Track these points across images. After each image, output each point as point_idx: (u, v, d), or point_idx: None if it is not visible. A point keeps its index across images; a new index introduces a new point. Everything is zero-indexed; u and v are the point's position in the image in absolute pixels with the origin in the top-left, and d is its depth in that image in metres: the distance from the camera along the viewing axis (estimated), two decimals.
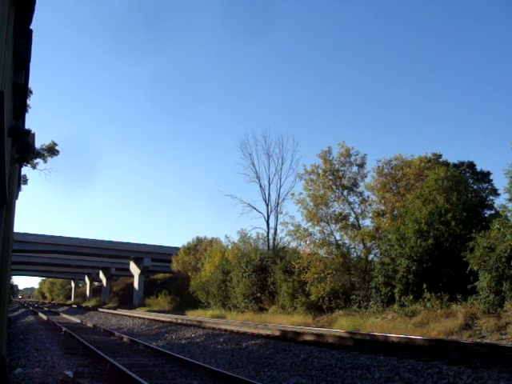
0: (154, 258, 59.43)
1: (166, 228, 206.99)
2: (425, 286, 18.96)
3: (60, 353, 13.61)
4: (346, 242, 26.24)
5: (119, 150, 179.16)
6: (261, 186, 38.45)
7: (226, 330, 19.87)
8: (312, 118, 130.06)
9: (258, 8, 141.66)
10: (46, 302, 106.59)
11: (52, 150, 25.13)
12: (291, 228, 27.39)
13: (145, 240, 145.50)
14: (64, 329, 22.15)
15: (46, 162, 25.10)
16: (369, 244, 25.13)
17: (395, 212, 24.54)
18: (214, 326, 22.25)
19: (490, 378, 8.15)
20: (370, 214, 26.45)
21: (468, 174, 29.83)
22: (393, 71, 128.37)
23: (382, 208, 26.10)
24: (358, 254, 26.14)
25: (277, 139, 54.72)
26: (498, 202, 26.02)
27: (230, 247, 39.09)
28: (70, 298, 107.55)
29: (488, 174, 31.69)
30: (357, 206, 26.72)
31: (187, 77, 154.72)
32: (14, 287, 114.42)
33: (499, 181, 47.16)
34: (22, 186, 19.46)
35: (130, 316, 35.60)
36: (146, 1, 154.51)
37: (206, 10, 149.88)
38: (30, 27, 6.72)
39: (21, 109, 8.92)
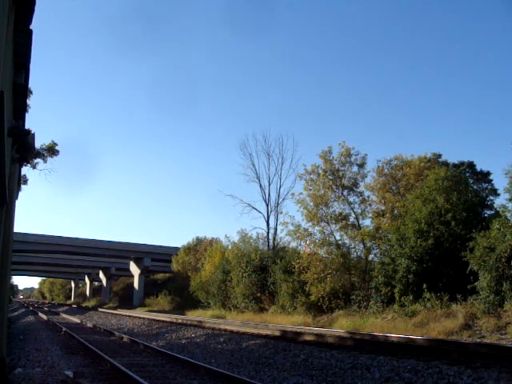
0: (154, 258, 59.38)
1: (166, 228, 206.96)
2: (425, 286, 18.95)
3: (60, 353, 13.62)
4: (346, 242, 26.28)
5: (119, 150, 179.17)
6: (261, 186, 38.50)
7: (225, 330, 19.86)
8: (312, 118, 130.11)
9: (257, 8, 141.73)
10: (46, 302, 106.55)
11: (52, 150, 25.03)
12: (291, 228, 27.42)
13: (145, 240, 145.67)
14: (64, 329, 22.15)
15: (45, 162, 25.01)
16: (369, 244, 25.14)
17: (395, 212, 24.53)
18: (214, 326, 22.24)
19: (490, 378, 8.15)
20: (370, 214, 26.46)
21: (468, 174, 29.76)
22: (393, 71, 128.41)
23: (382, 208, 26.10)
24: (358, 254, 26.18)
25: (277, 139, 54.53)
26: (498, 202, 26.02)
27: (230, 247, 39.07)
28: (69, 298, 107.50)
29: (488, 173, 31.61)
30: (357, 206, 26.76)
31: (187, 77, 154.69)
32: (14, 287, 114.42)
33: (499, 181, 47.11)
34: (22, 186, 19.43)
35: (129, 316, 35.60)
36: (146, 1, 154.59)
37: (205, 10, 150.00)
38: (30, 27, 6.73)
39: (21, 109, 8.92)
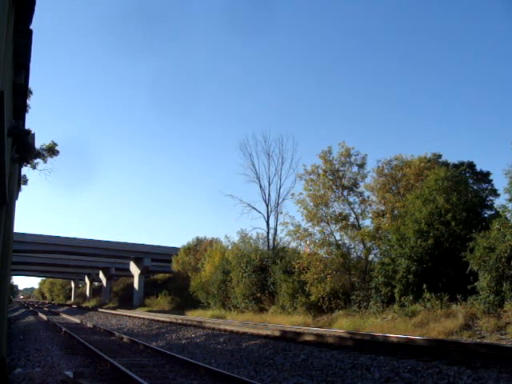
0: (154, 258, 59.35)
1: (165, 228, 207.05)
2: (425, 286, 18.95)
3: (60, 353, 13.61)
4: (346, 242, 26.30)
5: (119, 150, 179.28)
6: (261, 186, 38.46)
7: (225, 330, 19.86)
8: (312, 118, 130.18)
9: (258, 8, 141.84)
10: (46, 302, 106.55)
11: (52, 150, 25.00)
12: (291, 228, 27.44)
13: (145, 240, 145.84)
14: (64, 329, 22.14)
15: (45, 162, 24.96)
16: (369, 244, 25.14)
17: (395, 212, 24.54)
18: (214, 326, 22.24)
19: (490, 378, 8.14)
20: (370, 214, 26.47)
21: (468, 174, 29.78)
22: (393, 71, 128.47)
23: (382, 208, 26.11)
24: (358, 254, 26.19)
25: (277, 139, 54.54)
26: (498, 202, 26.07)
27: (230, 247, 39.07)
28: (69, 298, 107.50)
29: (488, 174, 31.64)
30: (357, 206, 26.77)
31: (187, 77, 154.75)
32: (14, 287, 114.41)
33: (499, 181, 47.18)
34: (22, 186, 19.42)
35: (129, 316, 35.59)
36: (146, 1, 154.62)
37: (206, 10, 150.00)
38: (30, 27, 6.73)
39: (21, 109, 8.92)
